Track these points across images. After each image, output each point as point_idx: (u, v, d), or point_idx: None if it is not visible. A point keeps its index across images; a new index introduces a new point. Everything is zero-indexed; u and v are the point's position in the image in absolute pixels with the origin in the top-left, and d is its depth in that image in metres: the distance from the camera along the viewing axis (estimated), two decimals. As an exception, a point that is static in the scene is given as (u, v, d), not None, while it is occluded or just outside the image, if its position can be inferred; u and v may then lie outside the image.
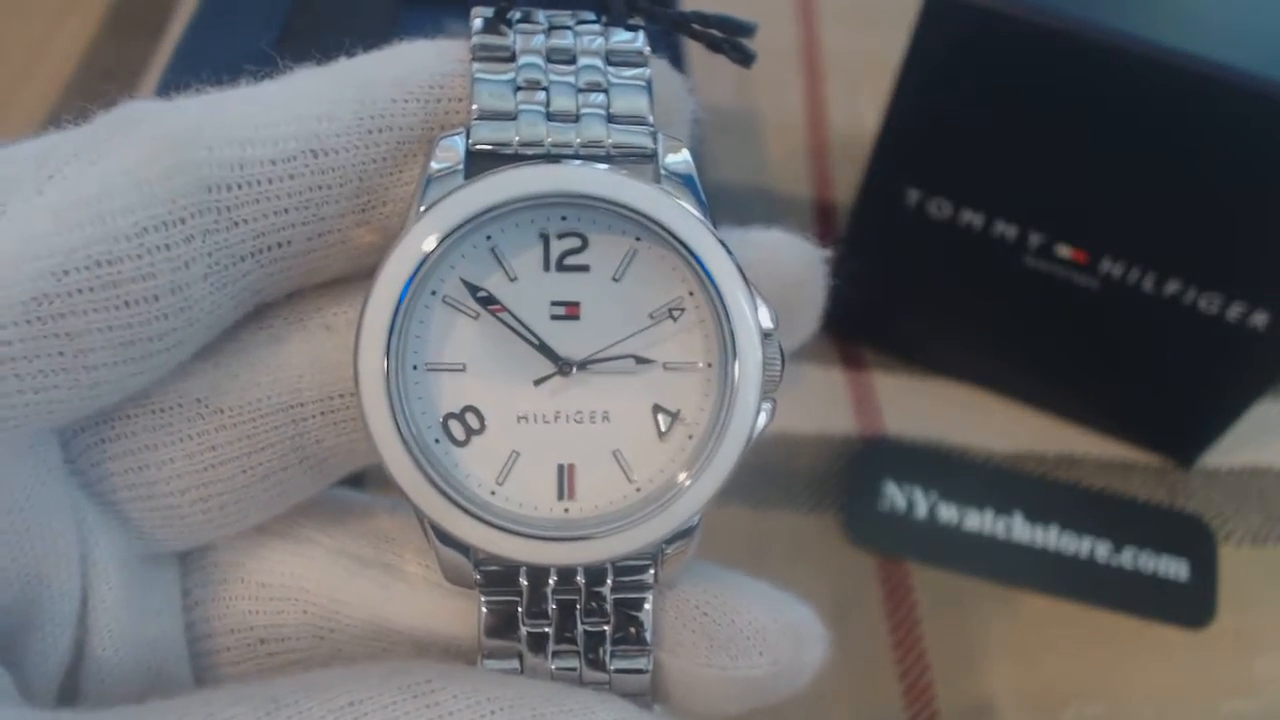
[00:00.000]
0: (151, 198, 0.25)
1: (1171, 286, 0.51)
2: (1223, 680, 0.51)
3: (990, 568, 0.54)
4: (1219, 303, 0.50)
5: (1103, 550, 0.55)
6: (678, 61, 0.65)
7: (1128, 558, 0.55)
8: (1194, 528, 0.56)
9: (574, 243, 0.29)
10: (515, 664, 0.30)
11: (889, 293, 0.60)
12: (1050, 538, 0.55)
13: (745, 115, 0.73)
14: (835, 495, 0.56)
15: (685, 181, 0.29)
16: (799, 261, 0.33)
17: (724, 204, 0.67)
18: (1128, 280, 0.51)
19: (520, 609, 0.30)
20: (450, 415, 0.30)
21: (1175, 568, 0.55)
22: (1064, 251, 0.52)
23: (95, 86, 0.68)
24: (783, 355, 0.29)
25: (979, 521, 0.56)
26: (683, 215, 0.28)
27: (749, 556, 0.54)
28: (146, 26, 0.73)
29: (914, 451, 0.58)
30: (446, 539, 0.29)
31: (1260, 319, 0.49)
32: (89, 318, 0.25)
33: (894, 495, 0.56)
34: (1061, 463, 0.59)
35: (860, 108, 0.73)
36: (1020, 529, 0.55)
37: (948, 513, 0.56)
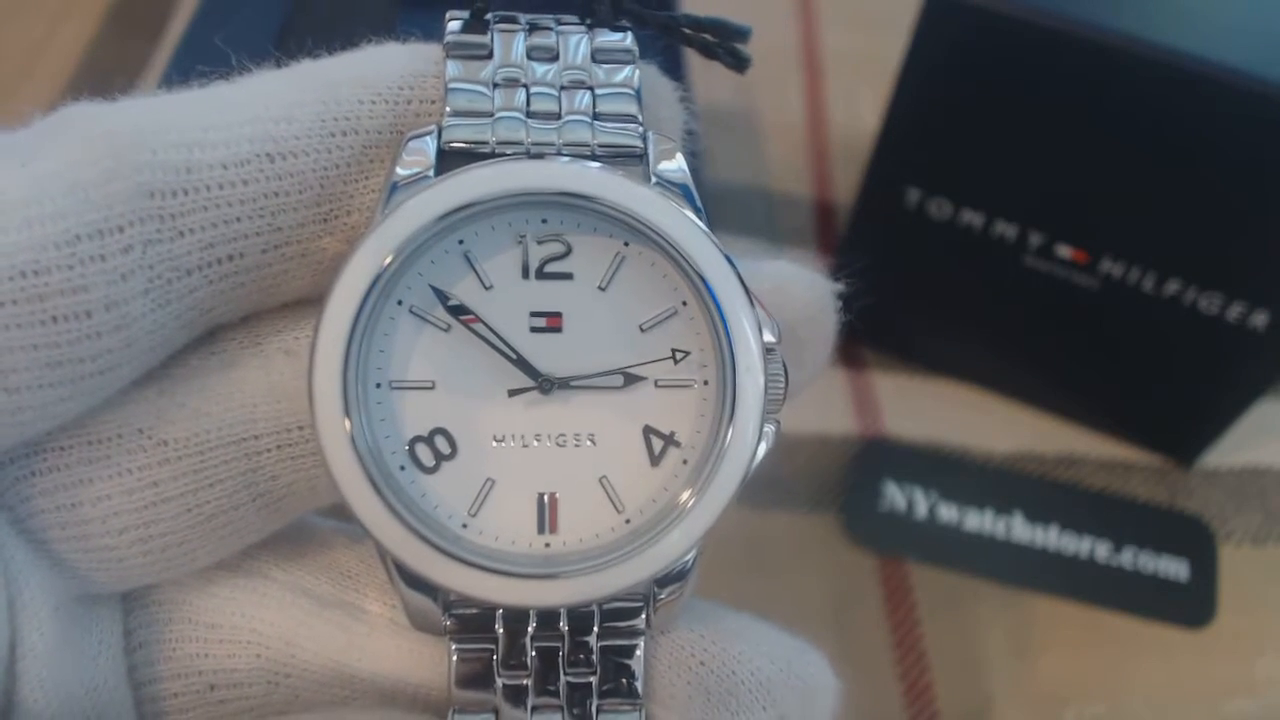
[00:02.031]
0: (86, 203, 0.23)
1: (1171, 286, 0.51)
2: (1223, 680, 0.51)
3: (990, 568, 0.54)
4: (1219, 303, 0.50)
5: (1103, 550, 0.55)
6: (674, 60, 0.65)
7: (1128, 558, 0.55)
8: (1194, 528, 0.56)
9: (556, 248, 0.27)
10: (490, 718, 0.28)
11: (889, 292, 0.60)
12: (1050, 538, 0.55)
13: (745, 115, 0.73)
14: (835, 495, 0.56)
15: (681, 190, 0.27)
16: (808, 295, 0.31)
17: (724, 204, 0.67)
18: (1128, 280, 0.51)
19: (496, 658, 0.27)
20: (417, 439, 0.27)
21: (1175, 568, 0.55)
22: (1064, 251, 0.52)
23: (95, 86, 0.68)
24: (786, 372, 0.27)
25: (979, 521, 0.56)
26: (676, 216, 0.26)
27: (749, 557, 0.54)
28: (146, 26, 0.73)
29: (914, 451, 0.58)
30: (412, 580, 0.26)
31: (1260, 319, 0.49)
32: (10, 334, 0.23)
33: (894, 495, 0.56)
34: (1061, 463, 0.59)
35: (860, 108, 0.73)
36: (1020, 529, 0.55)
37: (948, 513, 0.56)
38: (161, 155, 0.24)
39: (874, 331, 0.62)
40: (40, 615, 0.26)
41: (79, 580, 0.27)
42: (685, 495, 0.27)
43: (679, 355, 0.27)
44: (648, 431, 0.28)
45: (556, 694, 0.28)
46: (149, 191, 0.24)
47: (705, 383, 0.28)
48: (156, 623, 0.29)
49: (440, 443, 0.27)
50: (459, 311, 0.27)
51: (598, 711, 0.28)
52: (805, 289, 0.31)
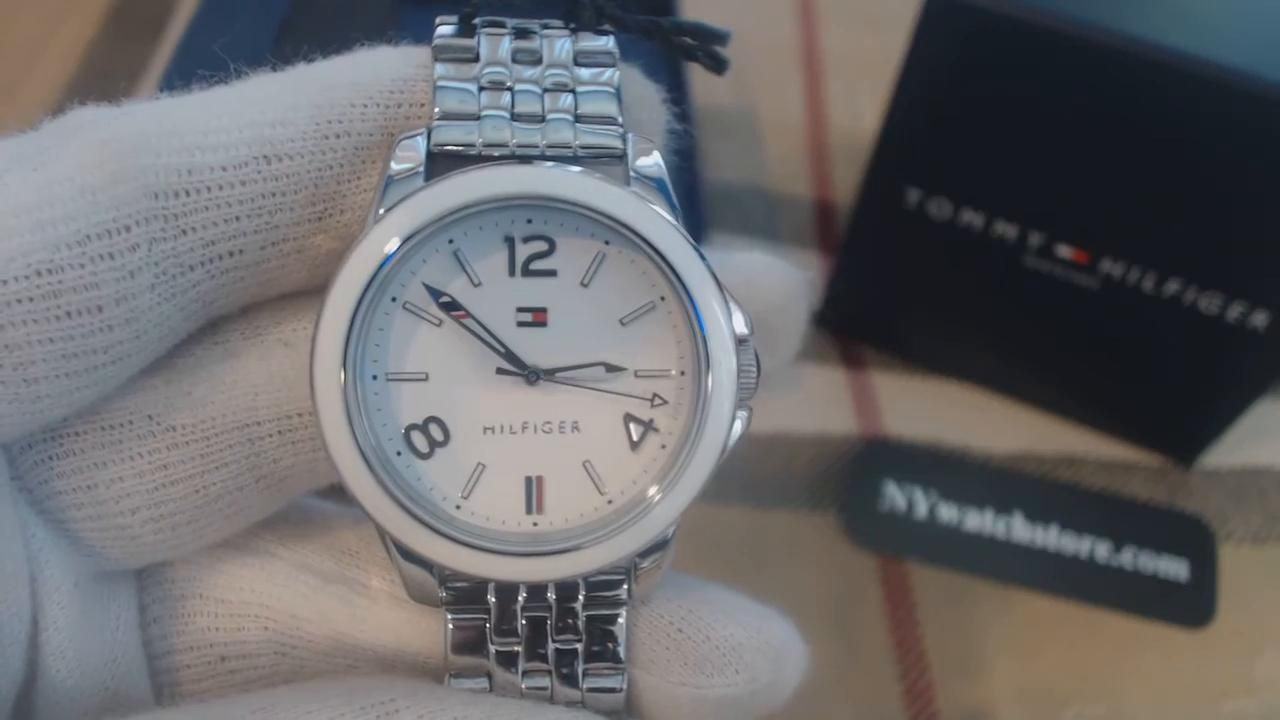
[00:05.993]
0: (94, 205, 0.24)
1: (1171, 286, 0.51)
2: (1223, 680, 0.51)
3: (990, 568, 0.54)
4: (1219, 303, 0.50)
5: (1103, 550, 0.55)
6: (673, 61, 0.65)
7: (1128, 558, 0.55)
8: (1194, 528, 0.56)
9: (540, 246, 0.28)
10: (484, 682, 0.29)
11: (889, 293, 0.60)
12: (1050, 538, 0.55)
13: (745, 115, 0.73)
14: (835, 495, 0.56)
15: (657, 185, 0.28)
16: (779, 285, 0.32)
17: (724, 204, 0.67)
18: (1128, 280, 0.51)
19: (489, 626, 0.29)
20: (413, 427, 0.28)
21: (1175, 568, 0.55)
22: (1064, 251, 0.52)
23: (95, 86, 0.68)
24: (758, 362, 0.28)
25: (979, 521, 0.56)
26: (652, 217, 0.27)
27: (749, 556, 0.54)
28: (146, 26, 0.73)
29: (914, 451, 0.58)
30: (410, 555, 0.28)
31: (1260, 319, 0.49)
32: (29, 329, 0.24)
33: (894, 495, 0.56)
34: (1061, 463, 0.59)
35: (860, 108, 0.73)
36: (1020, 529, 0.55)
37: (948, 513, 0.56)
38: (165, 158, 0.25)
39: (874, 331, 0.62)
40: (61, 590, 0.28)
41: (96, 557, 0.29)
42: (665, 477, 0.29)
43: (657, 401, 0.29)
44: (628, 419, 0.29)
45: (545, 659, 0.29)
46: (153, 193, 0.25)
47: (682, 373, 0.29)
48: (170, 598, 0.31)
49: (434, 430, 0.29)
50: (450, 308, 0.28)
51: (584, 675, 0.30)
52: (776, 280, 0.33)
